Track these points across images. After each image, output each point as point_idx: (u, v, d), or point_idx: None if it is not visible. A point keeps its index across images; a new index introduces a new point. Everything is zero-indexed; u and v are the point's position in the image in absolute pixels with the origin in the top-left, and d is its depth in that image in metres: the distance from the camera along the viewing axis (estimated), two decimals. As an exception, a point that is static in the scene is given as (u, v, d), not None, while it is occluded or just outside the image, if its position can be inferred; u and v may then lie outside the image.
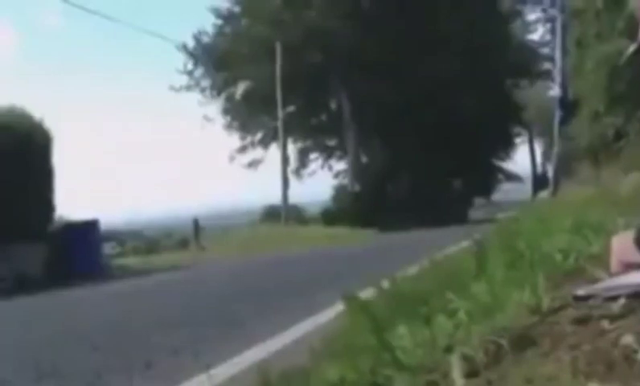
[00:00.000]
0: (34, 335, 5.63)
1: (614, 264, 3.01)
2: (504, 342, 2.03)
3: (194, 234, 30.06)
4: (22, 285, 11.22)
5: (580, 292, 2.64)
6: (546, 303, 2.51)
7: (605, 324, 2.10)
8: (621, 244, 3.05)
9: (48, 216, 15.01)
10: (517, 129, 41.43)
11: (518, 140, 42.19)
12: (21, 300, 9.50)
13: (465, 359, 1.90)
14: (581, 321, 2.24)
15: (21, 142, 13.78)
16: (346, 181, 34.69)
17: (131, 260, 19.77)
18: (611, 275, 2.92)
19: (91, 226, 15.59)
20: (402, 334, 2.19)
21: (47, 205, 14.92)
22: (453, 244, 9.27)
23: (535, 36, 39.70)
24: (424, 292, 3.12)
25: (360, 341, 2.04)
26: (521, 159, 43.30)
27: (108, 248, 20.01)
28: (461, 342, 2.00)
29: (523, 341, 2.08)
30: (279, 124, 30.38)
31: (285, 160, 31.76)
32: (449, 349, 1.96)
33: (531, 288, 2.64)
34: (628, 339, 1.85)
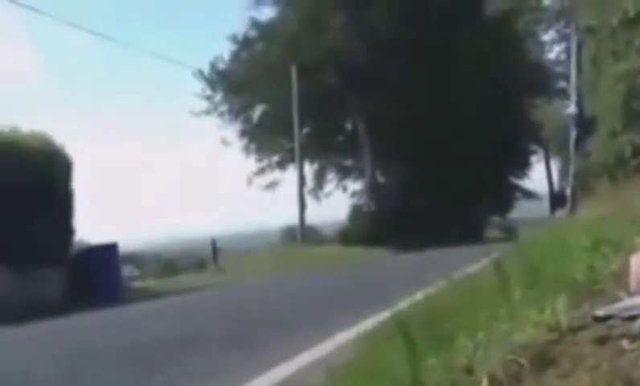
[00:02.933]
0: (55, 356, 5.70)
1: (634, 283, 3.01)
2: (524, 361, 2.06)
3: (212, 255, 30.16)
4: (43, 309, 11.30)
5: (600, 312, 2.66)
6: (565, 323, 2.53)
7: (625, 344, 2.12)
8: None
9: (68, 240, 15.14)
10: (533, 147, 41.29)
11: (534, 158, 42.03)
12: (41, 323, 9.58)
13: (487, 378, 1.93)
14: (601, 341, 2.26)
15: (41, 167, 13.97)
16: (362, 201, 34.69)
17: (150, 283, 19.85)
18: (630, 294, 2.93)
19: (110, 249, 15.69)
20: (423, 355, 2.23)
21: (67, 229, 15.06)
22: (470, 264, 9.26)
23: (551, 55, 39.67)
24: (444, 312, 3.15)
25: (382, 364, 2.08)
26: (538, 177, 43.08)
27: (126, 271, 20.12)
28: (481, 362, 2.03)
29: (542, 361, 2.10)
30: (295, 145, 30.52)
31: (301, 181, 31.85)
32: (469, 369, 1.99)
33: (550, 308, 2.67)
34: (648, 360, 1.87)
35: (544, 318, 2.58)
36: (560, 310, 2.69)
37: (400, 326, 2.29)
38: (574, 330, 2.53)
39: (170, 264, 30.33)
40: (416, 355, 2.12)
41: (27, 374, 4.88)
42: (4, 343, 7.59)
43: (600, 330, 2.46)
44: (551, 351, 2.25)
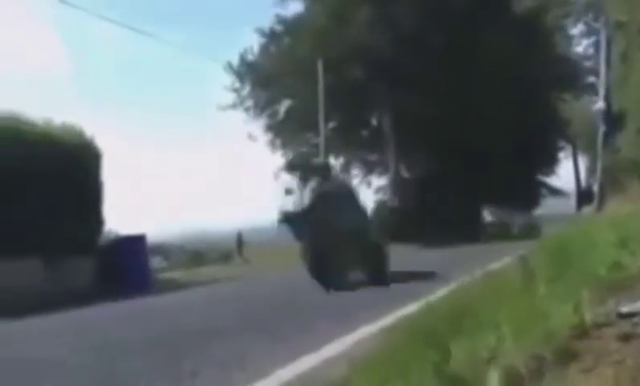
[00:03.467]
0: (86, 345, 5.82)
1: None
2: (547, 356, 2.09)
3: (237, 248, 30.40)
4: (73, 299, 11.51)
5: (624, 309, 2.68)
6: (589, 318, 2.55)
7: (648, 341, 2.14)
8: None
9: (98, 231, 15.36)
10: (561, 144, 40.79)
11: (562, 154, 41.55)
12: (72, 312, 9.76)
13: (508, 372, 1.97)
14: (625, 337, 2.28)
15: (72, 158, 14.20)
16: (386, 196, 34.61)
17: (177, 274, 20.07)
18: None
19: (139, 240, 15.88)
20: (448, 347, 2.27)
21: (97, 220, 15.28)
22: (496, 261, 9.22)
23: (579, 49, 39.16)
24: (469, 307, 3.19)
25: (407, 354, 2.13)
26: (565, 174, 42.57)
27: (154, 262, 20.36)
28: (503, 355, 2.07)
29: (566, 355, 2.13)
30: (321, 140, 30.55)
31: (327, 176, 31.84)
32: (491, 362, 2.03)
33: (574, 303, 2.69)
34: (671, 356, 1.89)
35: (568, 313, 2.61)
36: (585, 305, 2.72)
37: (425, 320, 2.35)
38: (598, 326, 2.55)
39: (196, 255, 30.64)
40: (440, 347, 2.17)
41: (59, 362, 5.00)
42: (37, 332, 7.76)
43: (624, 326, 2.47)
44: (574, 346, 2.28)
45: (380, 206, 33.60)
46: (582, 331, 2.50)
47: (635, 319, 2.59)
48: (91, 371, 4.52)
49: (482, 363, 2.06)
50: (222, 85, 35.40)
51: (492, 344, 2.22)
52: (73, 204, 13.99)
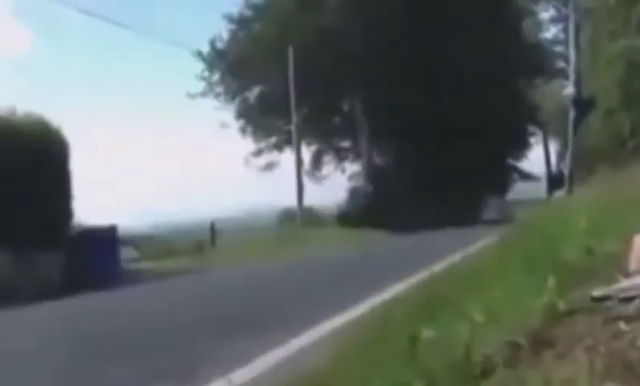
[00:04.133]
0: (54, 340, 5.72)
1: (635, 262, 3.02)
2: (522, 343, 2.06)
3: (210, 237, 30.21)
4: (41, 292, 11.31)
5: (597, 293, 2.67)
6: (562, 305, 2.54)
7: (622, 325, 2.13)
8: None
9: (66, 222, 15.08)
10: (532, 128, 41.20)
11: (532, 139, 41.96)
12: (40, 306, 9.60)
13: (484, 361, 1.94)
14: (598, 323, 2.27)
15: (38, 149, 13.89)
16: (360, 183, 34.67)
17: (148, 265, 19.86)
18: (627, 276, 2.94)
19: (109, 231, 15.66)
20: (423, 338, 2.24)
21: (65, 212, 15.01)
22: (468, 246, 9.28)
23: (549, 35, 39.55)
24: (443, 295, 3.16)
25: (379, 342, 2.09)
26: (536, 158, 43.00)
27: (125, 253, 20.10)
28: (478, 343, 2.04)
29: (540, 342, 2.11)
30: (293, 127, 30.44)
31: (299, 163, 31.80)
32: (467, 351, 2.00)
33: (547, 290, 2.67)
34: (644, 341, 1.87)
35: (541, 299, 2.59)
36: (557, 291, 2.71)
37: (397, 310, 2.30)
38: (571, 311, 2.54)
39: (168, 246, 30.34)
40: (413, 338, 2.13)
41: (29, 356, 4.90)
42: (6, 325, 7.61)
43: (597, 311, 2.47)
44: (548, 333, 2.26)
45: (354, 193, 33.68)
46: (555, 317, 2.49)
47: (608, 303, 2.58)
48: (46, 365, 4.42)
49: (456, 353, 2.02)
50: (191, 74, 35.13)
51: (466, 333, 2.19)
52: (40, 196, 13.71)
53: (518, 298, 2.72)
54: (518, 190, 38.48)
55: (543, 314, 2.46)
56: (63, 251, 14.40)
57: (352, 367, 2.32)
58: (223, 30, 35.31)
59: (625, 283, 2.76)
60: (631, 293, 2.56)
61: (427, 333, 2.20)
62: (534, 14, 37.69)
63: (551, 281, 2.81)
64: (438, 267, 5.00)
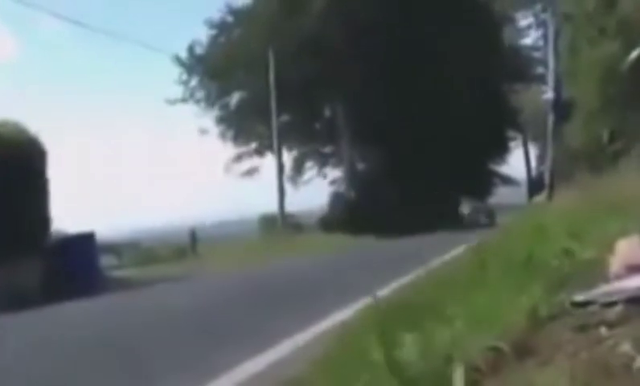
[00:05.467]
0: (22, 347, 5.65)
1: (617, 266, 3.02)
2: (504, 350, 2.05)
3: (191, 245, 30.04)
4: (19, 300, 11.16)
5: (578, 298, 2.66)
6: (544, 311, 2.53)
7: (603, 331, 2.12)
8: (628, 248, 3.06)
9: (44, 230, 14.92)
10: (512, 133, 41.55)
11: (513, 143, 42.33)
12: (18, 315, 9.47)
13: (466, 368, 1.92)
14: (580, 328, 2.25)
15: (15, 156, 13.73)
16: (341, 188, 34.73)
17: (128, 272, 19.71)
18: (607, 280, 2.94)
19: (87, 239, 15.54)
20: (403, 345, 2.21)
21: (43, 219, 14.85)
22: (449, 251, 9.29)
23: (528, 40, 39.96)
24: (423, 301, 3.14)
25: (361, 352, 2.06)
26: (516, 163, 43.40)
27: (105, 260, 19.93)
28: (460, 351, 2.02)
29: (522, 349, 2.09)
30: (274, 133, 30.41)
31: (280, 168, 31.76)
32: (448, 358, 1.97)
33: (528, 295, 2.66)
34: (626, 347, 1.86)
35: (523, 305, 2.58)
36: (539, 297, 2.70)
37: (376, 317, 2.27)
38: (553, 317, 2.53)
39: (149, 253, 30.12)
40: (393, 345, 2.09)
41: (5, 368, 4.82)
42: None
43: (579, 317, 2.46)
44: (530, 339, 2.25)
45: (335, 198, 33.73)
46: (537, 323, 2.48)
47: (590, 308, 2.57)
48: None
49: (437, 359, 2.00)
50: (170, 79, 35.05)
51: (447, 340, 2.16)
52: (17, 203, 13.55)
53: (500, 304, 2.70)
54: (500, 195, 38.80)
55: (524, 319, 2.45)
56: (42, 258, 14.23)
57: (327, 377, 2.29)
58: (202, 36, 35.33)
59: (606, 288, 2.75)
60: (613, 298, 2.55)
61: (406, 339, 2.18)
62: (513, 20, 38.08)
63: (532, 287, 2.81)
64: (419, 273, 4.99)
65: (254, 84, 31.99)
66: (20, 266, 13.46)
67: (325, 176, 37.37)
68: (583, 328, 2.26)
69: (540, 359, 2.01)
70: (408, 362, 2.00)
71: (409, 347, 2.10)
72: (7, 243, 13.06)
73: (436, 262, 6.38)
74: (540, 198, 21.86)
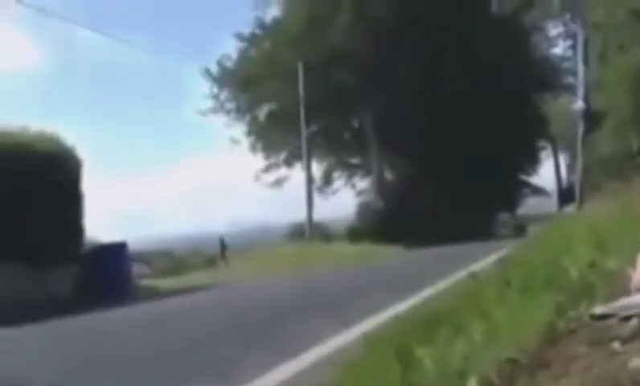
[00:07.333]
0: (66, 358, 5.77)
1: (638, 279, 3.02)
2: (519, 364, 2.09)
3: (220, 253, 30.29)
4: (53, 307, 11.40)
5: (598, 311, 2.68)
6: (562, 324, 2.55)
7: (617, 346, 2.14)
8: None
9: (78, 239, 15.22)
10: (542, 143, 41.11)
11: (543, 154, 41.88)
12: (52, 322, 9.67)
13: (481, 381, 1.97)
14: (595, 343, 2.28)
15: (51, 167, 14.06)
16: (369, 198, 34.68)
17: (159, 281, 19.92)
18: (628, 293, 2.95)
19: (120, 248, 15.77)
20: (420, 358, 2.26)
21: (77, 228, 15.15)
22: (474, 263, 9.25)
23: (558, 50, 39.53)
24: (441, 314, 3.18)
25: (380, 366, 2.12)
26: (546, 173, 42.91)
27: (136, 269, 20.20)
28: (476, 364, 2.06)
29: (537, 362, 2.13)
30: (303, 143, 30.55)
31: (309, 179, 31.86)
32: (463, 372, 2.03)
33: (548, 308, 2.69)
34: (636, 362, 1.89)
35: (542, 317, 2.61)
36: (559, 309, 2.72)
37: (397, 329, 2.34)
38: (572, 330, 2.55)
39: (179, 262, 30.45)
40: (409, 358, 2.16)
41: (36, 377, 4.93)
42: (19, 342, 7.67)
43: (596, 331, 2.47)
44: (546, 353, 2.28)
45: (364, 208, 33.68)
46: (555, 336, 2.50)
47: (608, 321, 2.58)
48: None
49: (452, 374, 2.05)
50: (200, 91, 35.45)
51: (464, 352, 2.22)
52: (53, 212, 13.86)
53: (520, 316, 2.74)
54: (530, 205, 38.38)
55: (542, 332, 2.47)
56: (75, 267, 14.52)
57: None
58: (232, 49, 35.70)
59: (625, 301, 2.76)
60: (631, 312, 2.56)
61: (422, 352, 2.24)
62: (542, 30, 37.71)
63: (552, 300, 2.83)
64: (443, 284, 5.01)
65: (283, 95, 32.20)
66: (54, 274, 13.76)
67: (353, 186, 37.42)
68: (598, 342, 2.29)
69: (554, 373, 2.03)
70: (424, 374, 2.06)
71: (426, 361, 2.16)
72: (42, 251, 13.37)
73: (461, 273, 6.37)
74: (570, 208, 21.63)
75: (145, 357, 5.24)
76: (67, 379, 4.83)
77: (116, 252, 15.51)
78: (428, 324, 2.98)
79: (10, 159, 12.98)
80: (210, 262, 29.66)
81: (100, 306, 11.47)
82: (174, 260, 31.26)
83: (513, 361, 2.10)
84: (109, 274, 14.81)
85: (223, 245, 30.86)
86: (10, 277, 12.66)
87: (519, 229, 29.37)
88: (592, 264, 4.13)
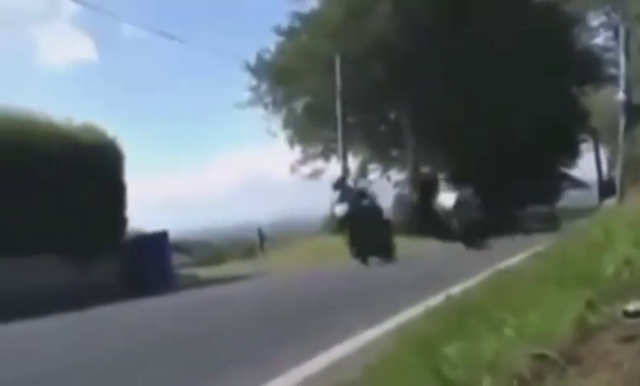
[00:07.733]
0: (111, 344, 5.94)
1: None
2: (549, 359, 2.13)
3: (259, 243, 30.60)
4: (97, 297, 11.70)
5: (631, 307, 2.70)
6: (595, 319, 2.58)
7: (647, 342, 2.17)
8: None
9: (121, 229, 15.54)
10: (583, 136, 40.42)
11: (583, 146, 41.19)
12: (94, 310, 9.93)
13: (509, 375, 2.02)
14: (626, 339, 2.31)
15: (94, 159, 14.39)
16: (405, 191, 34.55)
17: (199, 271, 20.23)
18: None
19: (161, 237, 16.01)
20: (450, 351, 2.33)
21: (120, 218, 15.47)
22: (511, 257, 9.21)
23: (600, 41, 38.76)
24: (472, 307, 3.22)
25: (409, 359, 2.19)
26: (587, 166, 42.22)
27: (177, 259, 20.52)
28: (505, 358, 2.12)
29: (567, 358, 2.17)
30: (339, 136, 30.57)
31: (345, 171, 31.85)
32: (493, 365, 2.08)
33: (581, 304, 2.72)
34: (665, 359, 1.92)
35: (574, 314, 2.63)
36: (592, 305, 2.75)
37: (427, 323, 2.40)
38: (603, 326, 2.58)
39: (219, 251, 30.85)
40: (438, 351, 2.22)
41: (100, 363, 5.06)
42: (68, 330, 7.87)
43: (629, 327, 2.50)
44: (577, 349, 2.31)
45: (399, 200, 33.57)
46: (587, 332, 2.52)
47: (640, 319, 2.59)
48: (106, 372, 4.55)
49: (483, 367, 2.10)
50: (241, 85, 35.79)
51: (494, 347, 2.27)
52: (97, 204, 14.19)
53: (553, 311, 2.76)
54: (570, 198, 37.85)
55: (574, 328, 2.50)
56: (119, 257, 14.85)
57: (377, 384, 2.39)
58: (271, 43, 35.92)
59: (659, 298, 2.77)
60: (664, 310, 2.57)
61: (451, 348, 2.30)
62: (584, 21, 37.01)
63: (584, 295, 2.86)
64: (471, 279, 5.03)
65: (320, 88, 32.26)
66: (98, 264, 14.12)
67: (389, 179, 37.34)
68: (629, 339, 2.31)
69: (583, 369, 2.07)
70: (454, 369, 2.11)
71: (455, 354, 2.21)
72: (86, 241, 13.72)
73: (493, 269, 6.37)
74: (611, 202, 21.27)
75: (183, 343, 5.36)
76: (117, 360, 4.96)
77: (157, 241, 15.78)
78: (460, 317, 3.04)
79: (54, 150, 13.31)
80: (248, 253, 29.98)
81: (142, 294, 11.74)
82: (213, 250, 31.67)
83: (543, 356, 2.14)
84: (151, 263, 15.09)
85: (262, 236, 31.15)
86: (54, 267, 13.02)
87: (554, 222, 28.96)
88: (628, 261, 4.11)
